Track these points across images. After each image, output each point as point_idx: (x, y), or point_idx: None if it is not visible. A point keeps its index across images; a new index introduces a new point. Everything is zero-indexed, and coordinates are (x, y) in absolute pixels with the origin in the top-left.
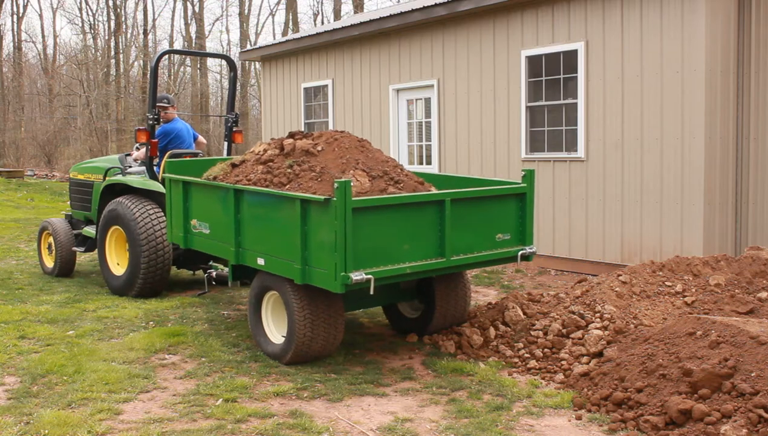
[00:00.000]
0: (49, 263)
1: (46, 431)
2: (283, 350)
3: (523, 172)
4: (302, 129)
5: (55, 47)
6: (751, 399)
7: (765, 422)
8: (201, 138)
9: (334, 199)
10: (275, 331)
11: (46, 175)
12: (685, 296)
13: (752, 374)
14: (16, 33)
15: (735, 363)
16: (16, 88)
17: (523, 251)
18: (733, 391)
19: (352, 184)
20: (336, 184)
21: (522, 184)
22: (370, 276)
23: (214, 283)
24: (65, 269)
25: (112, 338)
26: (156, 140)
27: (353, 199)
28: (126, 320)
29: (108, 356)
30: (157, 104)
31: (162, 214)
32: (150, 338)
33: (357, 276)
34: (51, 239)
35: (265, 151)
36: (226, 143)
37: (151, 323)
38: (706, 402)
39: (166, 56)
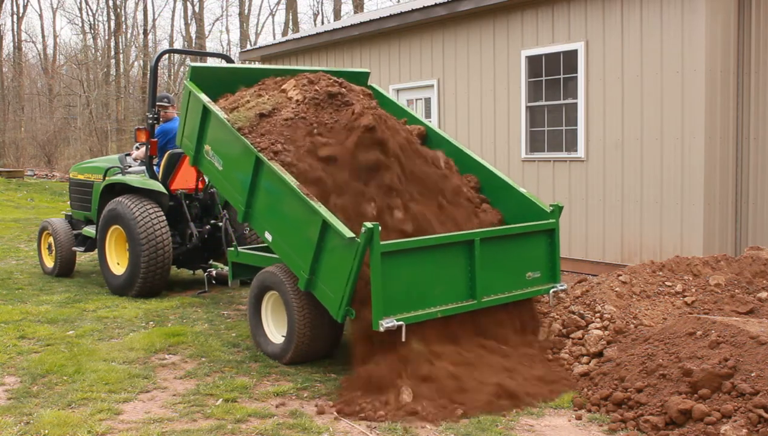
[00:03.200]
0: (49, 263)
1: (46, 431)
2: (283, 349)
3: (551, 207)
4: None
5: (55, 47)
6: (751, 399)
7: (765, 422)
8: None
9: (358, 240)
10: (275, 331)
11: (46, 175)
12: (685, 296)
13: (752, 374)
14: (16, 33)
15: (735, 363)
16: (16, 88)
17: (555, 289)
18: (733, 391)
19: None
20: (363, 228)
21: (551, 221)
22: (401, 323)
23: (214, 282)
24: (65, 268)
25: (112, 338)
26: (156, 140)
27: (381, 243)
28: (126, 320)
29: (108, 356)
30: (158, 103)
31: (162, 214)
32: (150, 338)
33: (388, 323)
34: (51, 239)
35: (298, 108)
36: None
37: (151, 323)
38: (706, 402)
39: (166, 56)
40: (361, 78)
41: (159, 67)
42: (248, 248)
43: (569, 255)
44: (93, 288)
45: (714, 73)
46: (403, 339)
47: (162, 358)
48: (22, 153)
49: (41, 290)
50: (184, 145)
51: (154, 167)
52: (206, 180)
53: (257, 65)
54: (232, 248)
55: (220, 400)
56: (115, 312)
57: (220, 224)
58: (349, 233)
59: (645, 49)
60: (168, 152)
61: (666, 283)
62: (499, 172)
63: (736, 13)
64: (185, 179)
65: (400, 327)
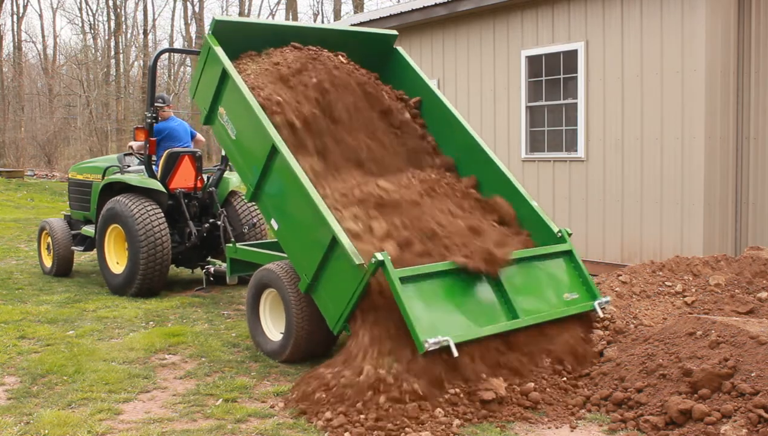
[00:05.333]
0: (49, 262)
1: (46, 431)
2: (281, 346)
3: (558, 233)
4: None
5: (55, 47)
6: (751, 399)
7: (765, 422)
8: (199, 136)
9: (366, 267)
10: (273, 328)
11: (46, 175)
12: (685, 296)
13: (752, 374)
14: (16, 33)
15: (735, 363)
16: (16, 88)
17: (600, 302)
18: (733, 391)
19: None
20: (373, 259)
21: (565, 244)
22: (447, 338)
23: (212, 279)
24: (63, 268)
25: (112, 338)
26: (154, 139)
27: (390, 271)
28: (126, 320)
29: (108, 356)
30: (154, 104)
31: (161, 213)
32: (150, 338)
33: (434, 341)
34: (50, 239)
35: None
36: None
37: (151, 323)
38: (706, 402)
39: (166, 55)
40: (389, 40)
41: (158, 67)
42: (246, 245)
43: None
44: (93, 288)
45: (714, 73)
46: (455, 354)
47: (162, 358)
48: (22, 153)
49: (41, 290)
50: (197, 99)
51: (153, 166)
52: (204, 179)
53: (283, 22)
54: (231, 245)
55: (220, 400)
56: (115, 312)
57: (219, 222)
58: (358, 260)
59: (645, 49)
60: (167, 151)
61: (666, 283)
62: (511, 175)
63: (736, 13)
64: (184, 178)
65: (445, 345)
